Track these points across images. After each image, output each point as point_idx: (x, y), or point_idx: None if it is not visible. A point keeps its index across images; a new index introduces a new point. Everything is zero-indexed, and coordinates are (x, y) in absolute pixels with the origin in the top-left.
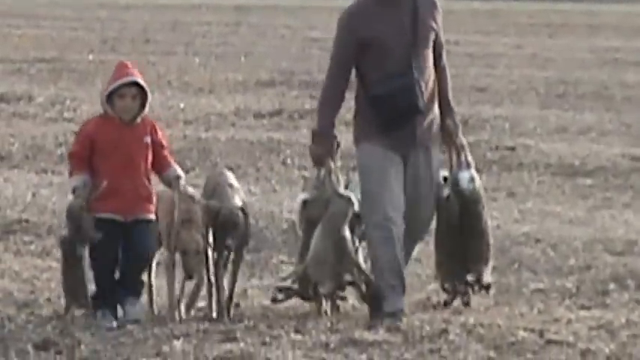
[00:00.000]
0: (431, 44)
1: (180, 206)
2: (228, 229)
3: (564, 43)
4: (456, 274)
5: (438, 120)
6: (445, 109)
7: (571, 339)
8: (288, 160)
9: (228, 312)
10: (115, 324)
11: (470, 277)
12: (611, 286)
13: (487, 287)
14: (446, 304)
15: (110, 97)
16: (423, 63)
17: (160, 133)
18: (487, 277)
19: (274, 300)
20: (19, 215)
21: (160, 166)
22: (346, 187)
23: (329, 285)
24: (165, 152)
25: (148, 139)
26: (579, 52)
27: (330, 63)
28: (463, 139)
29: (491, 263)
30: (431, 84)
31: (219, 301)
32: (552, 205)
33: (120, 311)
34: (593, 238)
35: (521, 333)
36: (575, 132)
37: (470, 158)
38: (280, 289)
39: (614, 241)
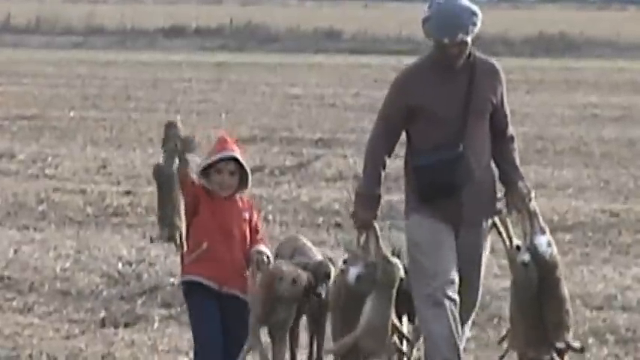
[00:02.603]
0: (487, 118)
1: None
2: (320, 279)
3: (542, 99)
4: (539, 343)
5: (491, 193)
6: (514, 175)
7: None
8: (270, 216)
9: None
10: None
11: (559, 345)
12: (591, 340)
13: (582, 350)
14: None
15: (207, 171)
16: (475, 136)
17: (256, 215)
18: (573, 341)
19: None
20: (0, 272)
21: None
22: (393, 253)
23: (382, 356)
24: (258, 237)
25: (247, 215)
26: (557, 108)
27: (377, 122)
28: (536, 205)
29: (572, 330)
30: (485, 157)
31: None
32: None
33: None
34: (573, 293)
35: None
36: (554, 188)
37: (543, 224)
38: None
39: (592, 296)
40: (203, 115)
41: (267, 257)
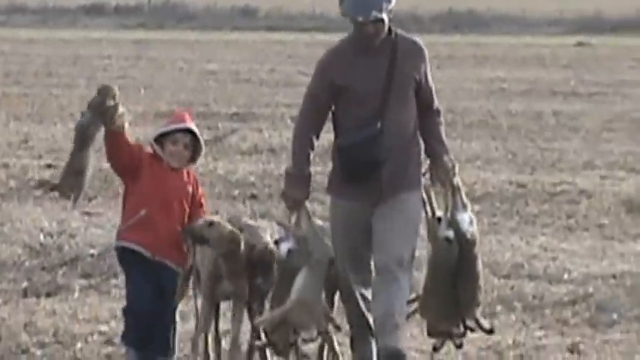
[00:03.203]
0: (410, 94)
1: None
2: (262, 268)
3: (452, 74)
4: (450, 316)
5: (414, 167)
6: (439, 149)
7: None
8: None
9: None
10: None
11: (469, 323)
12: (499, 308)
13: (490, 331)
14: (435, 349)
15: (161, 140)
16: (398, 113)
17: (200, 190)
18: (484, 321)
19: (255, 348)
20: None
21: (190, 220)
22: None
23: (313, 330)
24: (199, 206)
25: (190, 190)
26: (466, 83)
27: (303, 103)
28: (459, 180)
29: (481, 306)
30: (408, 132)
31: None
32: None
33: None
34: (481, 262)
35: (412, 353)
36: (463, 160)
37: (466, 199)
38: (259, 337)
39: (501, 265)
40: (123, 90)
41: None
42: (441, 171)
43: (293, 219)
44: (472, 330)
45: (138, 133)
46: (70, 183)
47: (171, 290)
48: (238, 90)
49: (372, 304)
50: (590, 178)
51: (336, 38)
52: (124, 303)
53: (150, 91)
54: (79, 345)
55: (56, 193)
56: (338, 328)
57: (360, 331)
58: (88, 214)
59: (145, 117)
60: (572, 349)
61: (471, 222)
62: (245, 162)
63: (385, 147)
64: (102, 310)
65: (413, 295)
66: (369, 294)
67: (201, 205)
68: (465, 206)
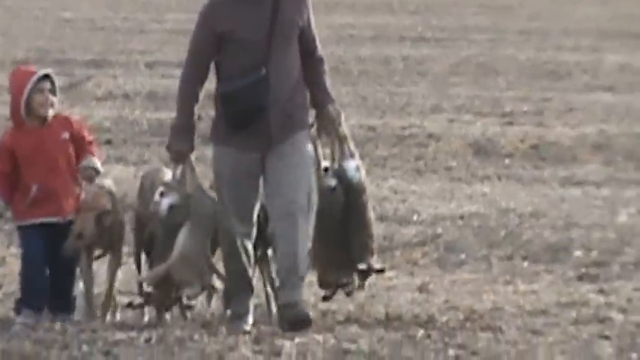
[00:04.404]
0: (294, 40)
1: (87, 196)
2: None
3: None
4: (341, 266)
5: (301, 113)
6: (324, 98)
7: (313, 300)
8: None
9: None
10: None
11: (361, 266)
12: None
13: (382, 271)
14: (325, 298)
15: (28, 100)
16: (282, 59)
17: (75, 124)
18: (376, 263)
19: (130, 305)
20: None
21: (79, 158)
22: None
23: (196, 286)
24: (84, 143)
25: (67, 135)
26: (318, 29)
27: (187, 55)
28: (345, 128)
29: (375, 254)
30: (293, 79)
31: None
32: None
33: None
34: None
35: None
36: None
37: (353, 147)
38: (141, 294)
39: None
40: None
41: (95, 170)
42: (327, 121)
43: (178, 172)
44: (365, 275)
45: None
46: None
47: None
48: (93, 37)
49: (277, 253)
50: (438, 121)
51: None
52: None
53: (6, 38)
54: None
55: None
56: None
57: (238, 287)
58: None
59: (2, 64)
60: (422, 289)
61: (357, 169)
62: (100, 107)
63: (270, 93)
64: None
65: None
66: (250, 247)
67: (82, 137)
68: (352, 155)
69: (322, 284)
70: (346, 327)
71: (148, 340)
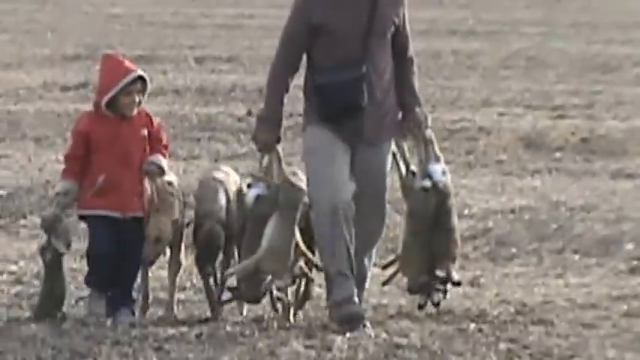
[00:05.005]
0: (389, 37)
1: (152, 194)
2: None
3: None
4: (427, 270)
5: (393, 115)
6: (412, 101)
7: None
8: None
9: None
10: (104, 311)
11: (440, 273)
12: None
13: (458, 284)
14: (420, 307)
15: (115, 96)
16: (378, 56)
17: (155, 124)
18: (455, 274)
19: (218, 300)
20: None
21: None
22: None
23: (287, 277)
24: (159, 145)
25: (145, 132)
26: None
27: (279, 45)
28: (431, 132)
29: (457, 262)
30: (387, 78)
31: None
32: None
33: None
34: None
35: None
36: None
37: (438, 151)
38: (229, 289)
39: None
40: (29, 34)
41: (159, 168)
42: (413, 124)
43: (264, 162)
44: (444, 281)
45: (45, 75)
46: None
47: (133, 239)
48: (142, 33)
49: (356, 232)
50: (489, 115)
51: None
52: (32, 243)
53: (56, 34)
54: None
55: None
56: (318, 268)
57: (341, 264)
58: None
59: (52, 60)
60: (473, 283)
61: (443, 173)
62: (150, 103)
63: (366, 91)
64: (11, 251)
65: (391, 258)
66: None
67: (159, 139)
68: (437, 158)
69: (413, 289)
70: (397, 321)
71: (198, 336)
